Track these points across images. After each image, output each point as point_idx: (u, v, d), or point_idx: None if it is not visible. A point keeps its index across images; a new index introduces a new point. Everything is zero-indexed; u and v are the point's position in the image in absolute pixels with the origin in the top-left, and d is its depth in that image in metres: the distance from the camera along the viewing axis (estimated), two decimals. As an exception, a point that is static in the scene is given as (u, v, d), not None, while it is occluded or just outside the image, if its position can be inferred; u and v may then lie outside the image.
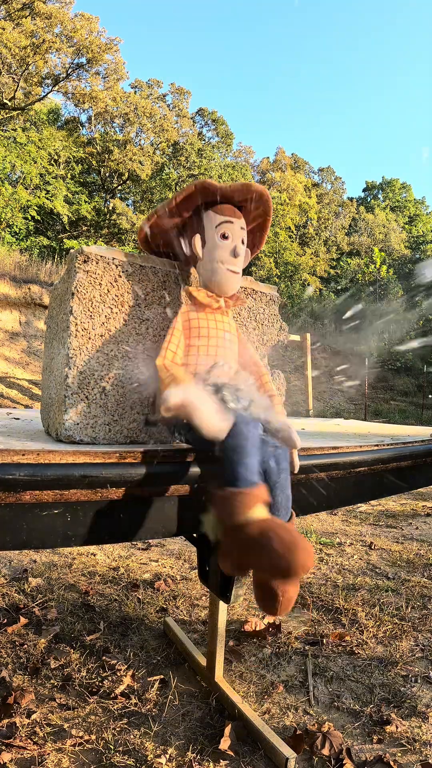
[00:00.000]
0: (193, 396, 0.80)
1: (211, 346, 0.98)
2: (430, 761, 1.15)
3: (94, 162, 19.57)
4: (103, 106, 18.75)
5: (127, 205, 20.54)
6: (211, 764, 1.10)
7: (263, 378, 1.06)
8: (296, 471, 0.96)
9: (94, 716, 1.24)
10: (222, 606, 1.36)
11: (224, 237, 1.01)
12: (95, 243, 15.97)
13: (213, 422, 0.78)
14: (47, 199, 16.03)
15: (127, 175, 19.96)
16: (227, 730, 1.19)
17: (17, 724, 1.19)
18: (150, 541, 2.66)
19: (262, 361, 1.24)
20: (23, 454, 0.71)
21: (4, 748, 1.11)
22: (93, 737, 1.16)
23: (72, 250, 1.02)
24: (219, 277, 1.01)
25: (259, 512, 0.74)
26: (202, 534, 0.99)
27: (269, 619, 1.76)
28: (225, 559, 0.77)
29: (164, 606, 1.88)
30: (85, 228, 19.04)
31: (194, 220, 1.03)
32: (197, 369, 0.96)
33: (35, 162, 15.24)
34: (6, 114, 16.65)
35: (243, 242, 1.04)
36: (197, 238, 1.01)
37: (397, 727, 1.25)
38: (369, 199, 32.04)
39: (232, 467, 0.76)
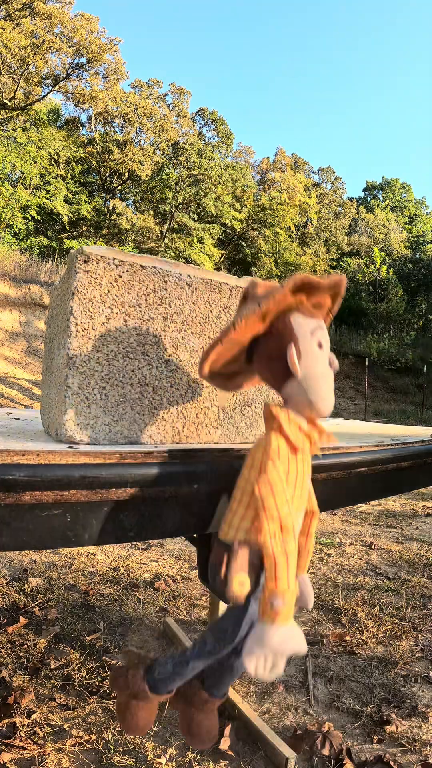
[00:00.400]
0: (290, 646, 0.71)
1: (296, 496, 0.80)
2: (430, 761, 1.15)
3: (94, 162, 19.57)
4: (103, 106, 18.76)
5: (127, 205, 20.54)
6: (211, 764, 1.10)
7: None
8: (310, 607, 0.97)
9: (94, 716, 1.24)
10: (222, 606, 1.36)
11: (320, 346, 0.80)
12: (95, 243, 15.98)
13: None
14: (47, 199, 16.04)
15: (127, 175, 19.96)
16: (227, 730, 1.18)
17: (17, 724, 1.19)
18: (150, 541, 2.66)
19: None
20: (23, 454, 0.71)
21: (4, 748, 1.11)
22: (93, 737, 1.16)
23: (72, 250, 1.02)
24: (321, 400, 0.80)
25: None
26: (203, 534, 0.99)
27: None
28: (118, 702, 0.93)
29: (164, 606, 1.88)
30: (85, 228, 19.04)
31: (279, 327, 0.81)
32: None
33: (35, 162, 15.24)
34: (6, 114, 16.65)
35: None
36: (292, 349, 0.78)
37: (397, 727, 1.25)
38: (369, 199, 32.04)
39: (167, 678, 0.88)
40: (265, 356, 0.83)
